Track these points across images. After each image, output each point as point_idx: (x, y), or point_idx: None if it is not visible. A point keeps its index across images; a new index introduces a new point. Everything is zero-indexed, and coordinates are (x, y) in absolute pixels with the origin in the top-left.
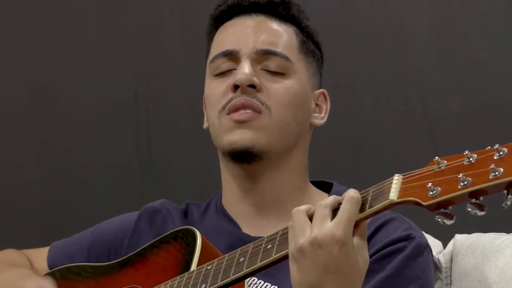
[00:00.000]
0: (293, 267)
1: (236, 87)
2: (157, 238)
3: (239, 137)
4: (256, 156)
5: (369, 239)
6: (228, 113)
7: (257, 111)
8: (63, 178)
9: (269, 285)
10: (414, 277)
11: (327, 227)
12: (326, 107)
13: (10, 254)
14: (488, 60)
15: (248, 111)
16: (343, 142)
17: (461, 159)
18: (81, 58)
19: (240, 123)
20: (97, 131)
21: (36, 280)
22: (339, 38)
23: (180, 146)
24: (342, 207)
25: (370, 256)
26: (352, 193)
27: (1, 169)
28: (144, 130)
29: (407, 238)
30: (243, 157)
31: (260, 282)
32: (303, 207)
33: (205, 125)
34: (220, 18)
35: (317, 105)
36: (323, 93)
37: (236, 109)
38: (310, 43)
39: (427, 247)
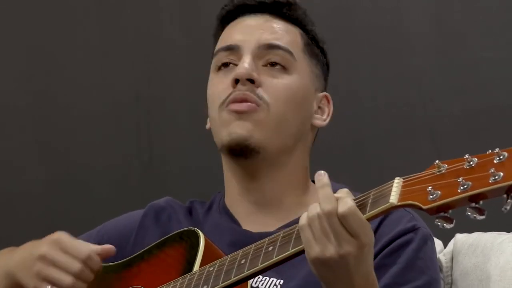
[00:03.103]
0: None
1: (236, 81)
2: (161, 240)
3: (238, 128)
4: (253, 150)
5: (374, 232)
6: (227, 106)
7: (256, 105)
8: (65, 179)
9: (274, 280)
10: (425, 268)
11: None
12: (328, 110)
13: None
14: (489, 61)
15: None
16: (344, 143)
17: (462, 163)
18: (82, 59)
19: (239, 114)
20: (98, 132)
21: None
22: (340, 39)
23: (181, 146)
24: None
25: (380, 251)
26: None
27: (3, 170)
28: (145, 131)
29: (413, 229)
30: (240, 151)
31: (266, 279)
32: (306, 222)
33: (207, 125)
34: (226, 18)
35: (319, 107)
36: (325, 96)
37: (235, 102)
38: (314, 47)
39: (430, 236)
